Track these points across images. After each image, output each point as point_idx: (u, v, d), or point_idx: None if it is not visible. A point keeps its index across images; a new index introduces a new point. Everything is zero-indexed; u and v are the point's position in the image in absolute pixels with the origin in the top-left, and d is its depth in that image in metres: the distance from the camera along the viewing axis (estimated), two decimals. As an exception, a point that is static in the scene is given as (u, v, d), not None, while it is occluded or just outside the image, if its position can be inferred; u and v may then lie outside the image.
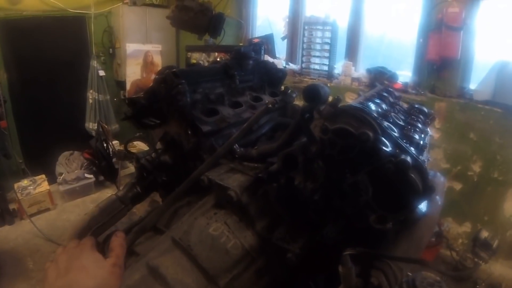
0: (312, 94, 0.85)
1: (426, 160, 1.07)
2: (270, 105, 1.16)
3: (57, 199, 5.13)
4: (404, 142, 0.88)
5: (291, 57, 5.53)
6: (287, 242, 0.95)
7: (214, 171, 1.09)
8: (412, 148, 0.89)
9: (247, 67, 1.58)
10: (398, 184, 0.77)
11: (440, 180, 1.34)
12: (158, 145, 1.49)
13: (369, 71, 4.57)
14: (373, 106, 0.95)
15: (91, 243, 0.92)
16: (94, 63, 5.65)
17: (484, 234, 1.21)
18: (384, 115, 1.06)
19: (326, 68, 5.07)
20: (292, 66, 5.36)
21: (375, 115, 0.84)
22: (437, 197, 1.20)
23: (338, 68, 4.99)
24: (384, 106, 1.12)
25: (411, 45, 4.45)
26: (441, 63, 4.11)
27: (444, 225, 4.14)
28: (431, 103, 4.07)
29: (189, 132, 1.28)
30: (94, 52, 5.71)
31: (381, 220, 0.82)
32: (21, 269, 3.87)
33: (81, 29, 5.67)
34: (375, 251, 0.82)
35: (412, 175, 0.76)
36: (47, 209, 4.92)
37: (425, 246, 1.15)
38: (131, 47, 5.71)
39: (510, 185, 3.92)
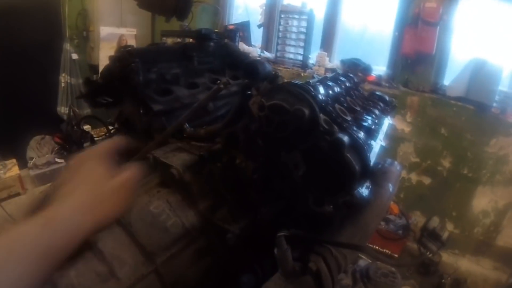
0: (251, 70, 0.83)
1: (378, 146, 1.07)
2: (222, 85, 1.14)
3: (27, 183, 5.03)
4: (349, 123, 0.87)
5: (266, 45, 5.53)
6: (228, 222, 0.94)
7: (160, 149, 1.07)
8: (358, 131, 0.88)
9: (208, 48, 1.55)
10: (333, 163, 0.76)
11: (395, 168, 1.33)
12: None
13: (343, 62, 4.60)
14: (321, 87, 0.93)
15: (104, 150, 0.89)
16: (67, 46, 5.56)
17: (434, 223, 1.21)
18: (336, 98, 1.05)
19: (300, 57, 5.09)
20: (267, 54, 5.34)
21: (319, 94, 0.82)
22: (390, 185, 1.20)
23: (313, 58, 4.99)
24: (336, 89, 1.11)
25: (389, 41, 4.48)
26: (415, 57, 4.15)
27: (412, 218, 4.20)
28: (403, 97, 4.12)
29: (141, 111, 1.26)
30: (67, 35, 5.59)
31: (318, 202, 0.80)
32: (-11, 254, 3.80)
33: (55, 11, 5.55)
34: (310, 234, 0.81)
35: (348, 155, 0.74)
36: (17, 194, 4.82)
37: (372, 234, 1.14)
38: (105, 31, 5.63)
39: (479, 182, 4.00)
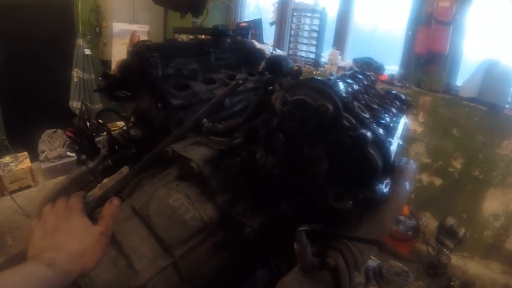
0: (274, 65, 0.83)
1: (396, 144, 1.07)
2: (241, 81, 1.14)
3: (38, 176, 5.09)
4: (369, 120, 0.87)
5: (278, 43, 5.51)
6: (246, 217, 0.94)
7: (179, 143, 1.08)
8: (378, 128, 0.87)
9: (224, 45, 1.56)
10: (356, 159, 0.76)
11: (411, 167, 1.33)
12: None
13: (355, 61, 4.57)
14: (341, 84, 0.93)
15: (80, 205, 0.92)
16: (80, 41, 5.58)
17: (451, 221, 1.21)
18: (354, 95, 1.05)
19: (312, 56, 5.08)
20: (279, 52, 5.34)
21: (340, 91, 0.83)
22: (406, 183, 1.19)
23: (325, 56, 4.98)
24: (355, 86, 1.11)
25: (401, 40, 4.45)
26: (428, 57, 4.12)
27: (422, 219, 4.18)
28: (416, 97, 4.09)
29: (159, 105, 1.27)
30: (80, 30, 5.63)
31: (339, 197, 0.81)
32: (-1, 244, 3.85)
33: (68, 7, 5.58)
34: (330, 229, 0.81)
35: (371, 151, 0.75)
36: (28, 186, 4.89)
37: (389, 231, 1.14)
38: (117, 27, 5.65)
39: (490, 184, 3.95)
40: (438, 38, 4.00)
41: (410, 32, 4.25)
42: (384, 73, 4.43)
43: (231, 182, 0.99)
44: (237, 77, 1.43)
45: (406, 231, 4.00)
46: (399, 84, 4.25)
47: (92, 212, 0.96)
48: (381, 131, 0.86)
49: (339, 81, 0.93)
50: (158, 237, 0.91)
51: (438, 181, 4.22)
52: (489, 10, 4.02)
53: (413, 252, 4.07)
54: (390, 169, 0.80)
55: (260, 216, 0.94)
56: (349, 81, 1.11)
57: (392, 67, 4.57)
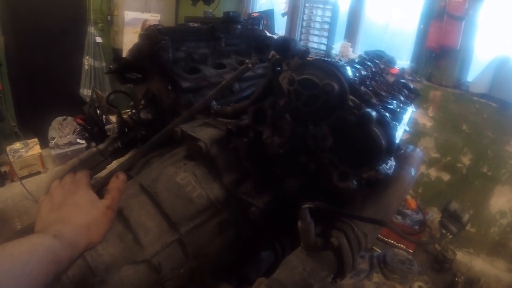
0: (282, 46, 0.84)
1: (402, 130, 1.07)
2: (250, 65, 1.15)
3: (48, 163, 5.16)
4: (376, 102, 0.88)
5: (290, 34, 5.49)
6: (252, 196, 0.96)
7: (188, 124, 1.10)
8: (384, 111, 0.88)
9: (235, 31, 1.57)
10: (360, 138, 0.77)
11: (417, 154, 1.34)
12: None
13: (366, 53, 4.54)
14: (349, 68, 0.94)
15: (87, 180, 0.94)
16: (91, 29, 5.62)
17: (455, 206, 1.21)
18: (362, 80, 1.06)
19: (324, 47, 5.05)
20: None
21: (346, 72, 0.83)
22: (412, 168, 1.20)
23: (336, 48, 4.96)
24: (363, 72, 1.12)
25: (413, 35, 4.42)
26: (440, 51, 4.08)
27: (428, 214, 4.17)
28: (426, 91, 4.07)
29: (169, 88, 1.28)
30: (92, 18, 5.66)
31: (343, 176, 0.82)
32: (8, 229, 3.92)
33: (80, -5, 5.61)
34: (334, 207, 0.82)
35: (375, 130, 0.75)
36: (38, 172, 4.96)
37: (393, 215, 1.15)
38: (129, 15, 5.67)
39: (498, 181, 3.93)
40: (450, 33, 3.96)
41: (422, 26, 4.21)
42: (395, 67, 4.40)
43: (238, 162, 1.00)
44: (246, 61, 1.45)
45: (412, 225, 4.00)
46: (410, 77, 4.22)
47: (100, 188, 0.98)
48: (387, 114, 0.87)
49: (347, 65, 0.94)
50: (165, 213, 0.93)
51: (446, 177, 4.21)
52: (501, 7, 3.98)
53: (419, 246, 4.07)
54: (394, 150, 0.80)
55: (266, 196, 0.96)
56: (357, 66, 1.12)
57: (403, 63, 4.54)
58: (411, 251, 3.90)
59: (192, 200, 0.95)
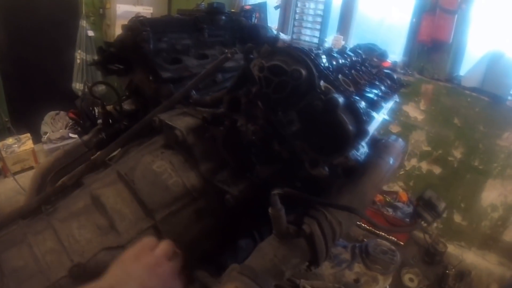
0: (252, 33, 0.85)
1: (381, 119, 1.08)
2: (229, 54, 1.16)
3: (41, 157, 5.12)
4: (351, 91, 0.88)
5: (283, 27, 5.47)
6: (227, 184, 0.96)
7: (166, 113, 1.11)
8: (359, 100, 0.88)
9: (219, 22, 1.57)
10: (329, 124, 0.77)
11: (398, 144, 1.34)
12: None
13: (359, 46, 4.53)
14: (323, 56, 0.95)
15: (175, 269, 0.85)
16: (83, 23, 5.57)
17: (430, 193, 1.21)
18: (339, 69, 1.06)
19: (316, 40, 5.05)
20: (283, 36, 5.32)
21: (319, 59, 0.84)
22: (390, 158, 1.21)
23: (329, 41, 4.95)
24: (341, 60, 1.12)
25: (406, 29, 4.41)
26: (432, 45, 4.08)
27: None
28: (418, 84, 4.08)
29: (150, 78, 1.29)
30: (84, 12, 5.62)
31: (314, 163, 0.82)
32: (1, 225, 3.89)
33: (72, -12, 5.57)
34: (304, 193, 0.83)
35: (342, 114, 0.76)
36: (31, 168, 4.91)
37: (369, 203, 1.15)
38: (121, 8, 5.62)
39: (489, 175, 3.94)
40: (443, 26, 3.96)
41: (414, 20, 4.21)
42: (387, 60, 4.40)
43: (215, 151, 1.01)
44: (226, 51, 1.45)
45: (404, 218, 4.01)
46: (402, 71, 4.22)
47: (80, 177, 0.99)
48: (361, 102, 0.87)
49: (322, 53, 0.94)
50: (141, 200, 0.94)
51: (437, 170, 4.22)
52: (495, 1, 3.99)
53: (410, 239, 4.09)
54: (363, 134, 0.80)
55: (241, 184, 0.96)
56: (335, 55, 1.12)
57: (397, 57, 4.54)
58: (402, 243, 3.93)
59: (167, 188, 0.96)
